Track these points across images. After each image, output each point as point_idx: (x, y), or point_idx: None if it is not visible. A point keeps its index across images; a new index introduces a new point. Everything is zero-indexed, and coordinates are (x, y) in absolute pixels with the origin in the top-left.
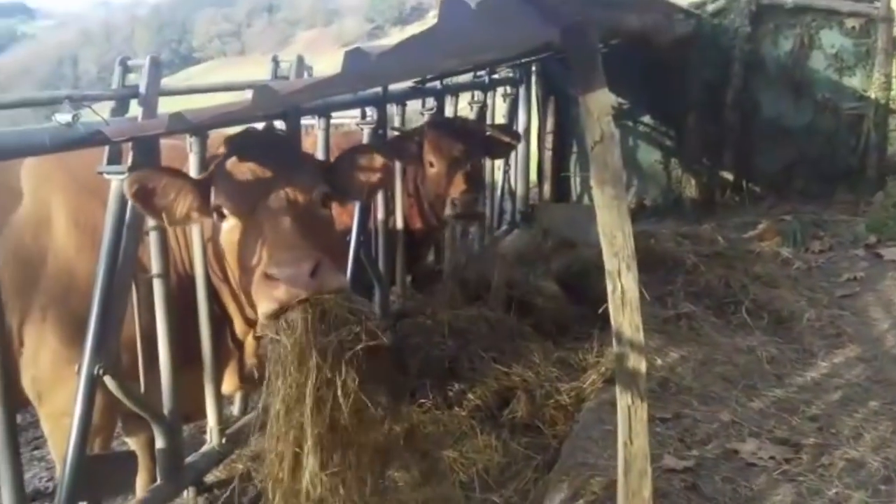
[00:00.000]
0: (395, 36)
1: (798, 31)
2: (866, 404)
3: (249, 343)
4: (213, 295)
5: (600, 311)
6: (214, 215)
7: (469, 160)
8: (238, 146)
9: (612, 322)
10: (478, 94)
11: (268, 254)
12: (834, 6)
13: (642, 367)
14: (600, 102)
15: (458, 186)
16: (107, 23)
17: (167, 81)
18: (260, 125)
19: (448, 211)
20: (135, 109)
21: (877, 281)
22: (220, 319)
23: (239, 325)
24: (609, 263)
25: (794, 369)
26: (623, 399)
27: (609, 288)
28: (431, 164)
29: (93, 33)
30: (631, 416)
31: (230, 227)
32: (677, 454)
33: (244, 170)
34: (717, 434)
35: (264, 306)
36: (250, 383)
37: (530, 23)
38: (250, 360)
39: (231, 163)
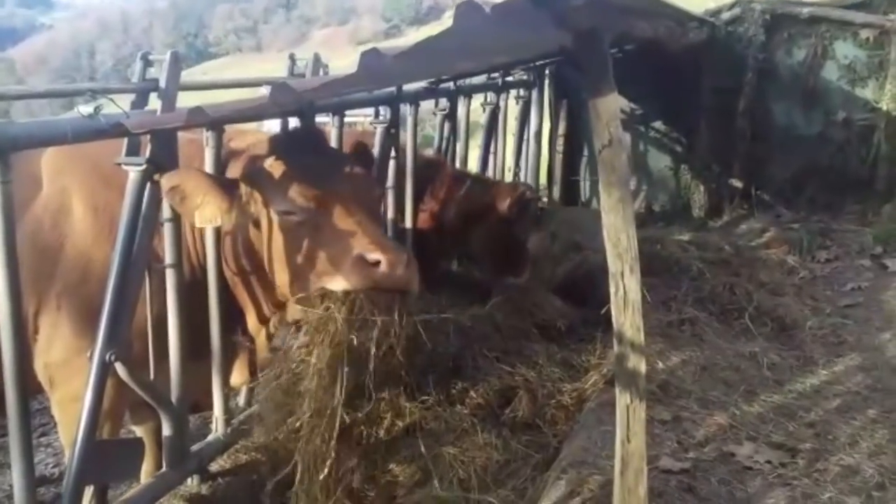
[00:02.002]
0: (411, 35)
1: (812, 41)
2: (864, 412)
3: (262, 338)
4: (225, 289)
5: (602, 311)
6: (271, 212)
7: None
8: (285, 146)
9: (614, 323)
10: (490, 96)
11: (364, 241)
12: (848, 17)
13: (642, 367)
14: (609, 107)
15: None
16: (124, 15)
17: (184, 76)
18: (276, 123)
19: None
20: (154, 103)
21: (880, 291)
22: (233, 313)
23: (252, 320)
24: (613, 265)
25: (795, 376)
26: (622, 398)
27: (612, 289)
28: None
29: (110, 25)
30: (629, 415)
31: (297, 223)
32: (675, 455)
33: (303, 169)
34: (715, 437)
35: (355, 283)
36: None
37: (544, 27)
38: (262, 353)
39: (283, 162)
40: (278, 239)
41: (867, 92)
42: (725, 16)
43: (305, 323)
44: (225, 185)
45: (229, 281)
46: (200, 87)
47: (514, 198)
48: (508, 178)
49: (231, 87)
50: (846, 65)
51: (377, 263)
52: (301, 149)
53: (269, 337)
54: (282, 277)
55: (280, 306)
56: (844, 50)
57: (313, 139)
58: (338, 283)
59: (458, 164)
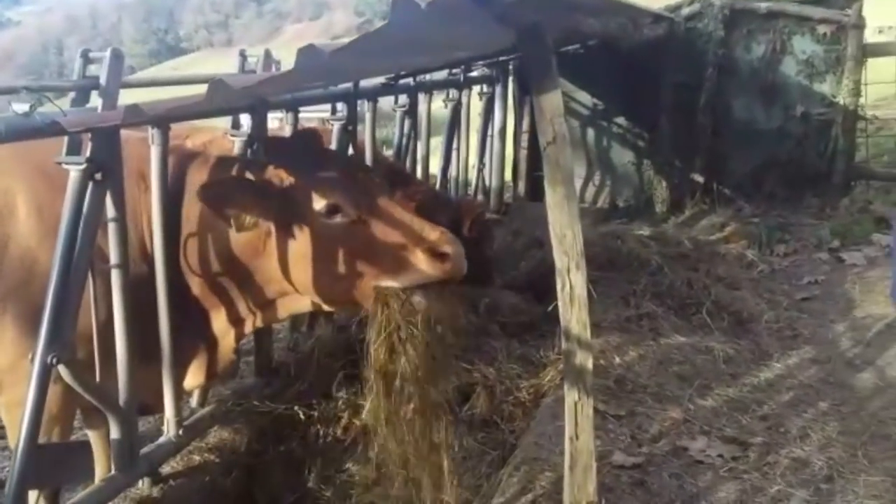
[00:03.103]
0: None
1: (770, 37)
2: (816, 405)
3: (229, 340)
4: (182, 289)
5: (549, 309)
6: (314, 214)
7: None
8: (289, 150)
9: (561, 319)
10: (453, 92)
11: (432, 233)
12: (806, 13)
13: (589, 363)
14: (553, 103)
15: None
16: (93, 10)
17: (154, 71)
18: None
19: None
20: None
21: (836, 284)
22: (193, 314)
23: (219, 322)
24: (559, 261)
25: (749, 369)
26: (570, 395)
27: (559, 285)
28: None
29: (79, 20)
30: (577, 412)
31: (347, 223)
32: (628, 451)
33: (337, 171)
34: (669, 431)
35: (427, 276)
36: (217, 380)
37: (485, 23)
38: (226, 356)
39: (298, 165)
40: (313, 243)
41: (825, 87)
42: (685, 11)
43: (386, 320)
44: (265, 192)
45: (190, 282)
46: (143, 85)
47: (474, 219)
48: (472, 174)
49: (179, 84)
50: (804, 60)
51: (445, 255)
52: (304, 151)
53: (239, 338)
54: (313, 280)
55: (265, 306)
56: (802, 45)
57: (313, 142)
58: (405, 279)
59: (419, 162)
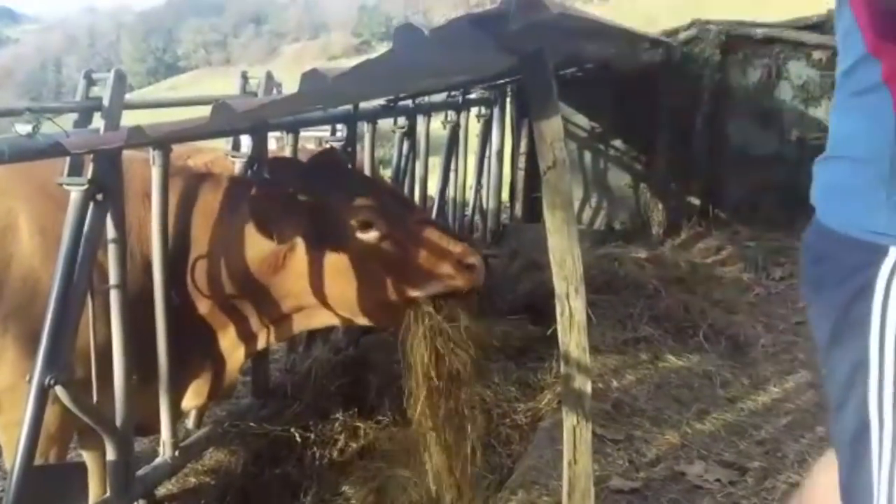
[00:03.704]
0: (381, 51)
1: (766, 62)
2: (813, 429)
3: (237, 357)
4: (191, 311)
5: (549, 332)
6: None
7: None
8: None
9: (560, 344)
10: (451, 114)
11: (458, 246)
12: (802, 38)
13: (587, 388)
14: (553, 129)
15: None
16: (92, 29)
17: (152, 89)
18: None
19: None
20: (98, 122)
21: None
22: (199, 332)
23: (228, 340)
24: (558, 286)
25: (747, 393)
26: (569, 420)
27: (558, 310)
28: None
29: (78, 39)
30: (576, 436)
31: (379, 237)
32: (626, 475)
33: (365, 188)
34: (667, 456)
35: (459, 284)
36: (219, 398)
37: (487, 50)
38: (232, 374)
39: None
40: (348, 258)
41: (819, 112)
42: (682, 36)
43: (429, 328)
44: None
45: (197, 303)
46: (147, 106)
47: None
48: (470, 195)
49: (181, 106)
50: (800, 85)
51: (472, 266)
52: (328, 169)
53: (250, 354)
54: (343, 295)
55: (279, 321)
56: (798, 70)
57: (335, 161)
58: (435, 290)
59: (417, 182)
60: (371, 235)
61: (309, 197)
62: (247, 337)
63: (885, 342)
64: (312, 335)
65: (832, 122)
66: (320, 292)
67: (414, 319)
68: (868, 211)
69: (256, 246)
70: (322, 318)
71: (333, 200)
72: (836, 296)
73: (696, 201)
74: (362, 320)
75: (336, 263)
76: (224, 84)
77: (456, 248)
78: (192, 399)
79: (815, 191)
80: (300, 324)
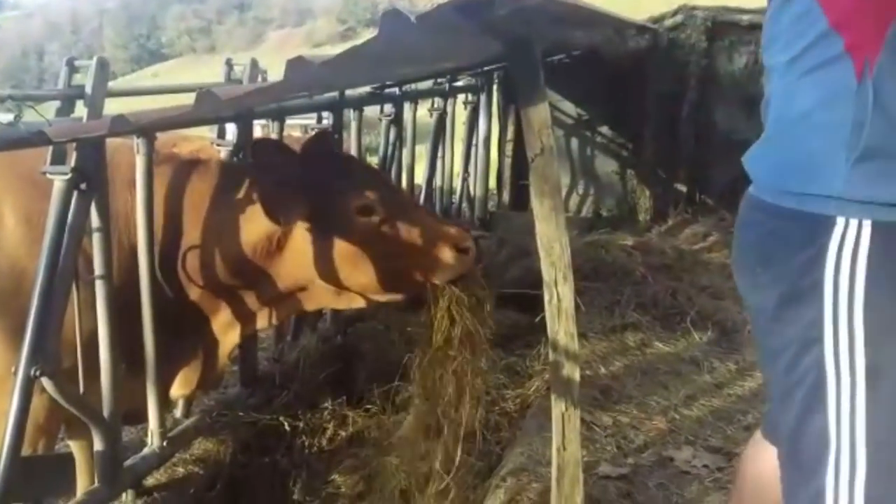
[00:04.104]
0: (366, 38)
1: (752, 48)
2: None
3: (230, 339)
4: (182, 298)
5: (537, 319)
6: (351, 214)
7: None
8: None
9: (549, 331)
10: (438, 101)
11: (451, 231)
12: None
13: (576, 375)
14: (541, 116)
15: None
16: (74, 15)
17: (135, 77)
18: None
19: None
20: (81, 111)
21: None
22: (189, 318)
23: (219, 325)
24: (547, 274)
25: (734, 379)
26: (557, 406)
27: (546, 297)
28: None
29: (59, 26)
30: (564, 423)
31: (378, 222)
32: (614, 461)
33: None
34: (655, 442)
35: (453, 272)
36: (211, 386)
37: (473, 36)
38: (224, 359)
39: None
40: (349, 241)
41: None
42: (668, 23)
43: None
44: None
45: (188, 290)
46: (130, 94)
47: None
48: (457, 183)
49: (164, 93)
50: None
51: (467, 249)
52: (323, 154)
53: (244, 336)
54: (344, 276)
55: (275, 301)
56: None
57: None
58: (435, 274)
59: (404, 170)
60: (371, 219)
61: (309, 181)
62: (237, 321)
63: (839, 307)
64: (300, 324)
65: (773, 107)
66: (318, 273)
67: (435, 295)
68: (825, 177)
69: (251, 231)
70: (313, 301)
71: (334, 185)
72: (787, 268)
73: (682, 188)
74: (357, 301)
75: (337, 247)
76: (208, 71)
77: (450, 231)
78: (181, 388)
79: (759, 171)
80: (289, 307)
